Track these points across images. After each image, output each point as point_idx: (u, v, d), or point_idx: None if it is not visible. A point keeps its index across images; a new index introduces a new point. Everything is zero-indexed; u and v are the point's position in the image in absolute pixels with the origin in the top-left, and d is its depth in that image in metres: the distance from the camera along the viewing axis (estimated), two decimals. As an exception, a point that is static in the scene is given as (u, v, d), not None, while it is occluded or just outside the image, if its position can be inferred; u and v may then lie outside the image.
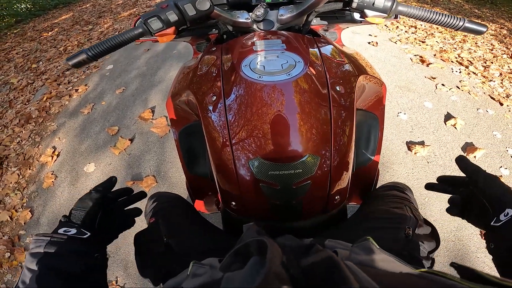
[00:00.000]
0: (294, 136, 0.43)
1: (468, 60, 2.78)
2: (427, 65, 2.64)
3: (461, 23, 0.59)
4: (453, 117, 1.99)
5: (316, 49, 0.57)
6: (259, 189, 0.46)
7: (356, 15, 0.85)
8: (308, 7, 0.66)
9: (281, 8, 0.72)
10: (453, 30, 0.61)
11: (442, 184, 0.58)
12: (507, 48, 3.25)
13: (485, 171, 0.48)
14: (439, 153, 1.75)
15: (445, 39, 3.37)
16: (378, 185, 0.71)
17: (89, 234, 0.44)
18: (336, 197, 0.49)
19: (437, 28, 3.86)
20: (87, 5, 6.90)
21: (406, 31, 3.54)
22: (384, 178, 1.63)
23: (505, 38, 3.70)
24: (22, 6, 9.16)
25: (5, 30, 6.71)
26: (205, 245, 0.53)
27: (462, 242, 1.35)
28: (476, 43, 3.35)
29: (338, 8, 0.67)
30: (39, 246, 0.40)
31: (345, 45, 1.03)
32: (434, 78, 2.42)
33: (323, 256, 0.23)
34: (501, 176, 1.59)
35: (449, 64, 2.69)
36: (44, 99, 2.69)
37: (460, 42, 3.31)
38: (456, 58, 2.83)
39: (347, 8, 0.64)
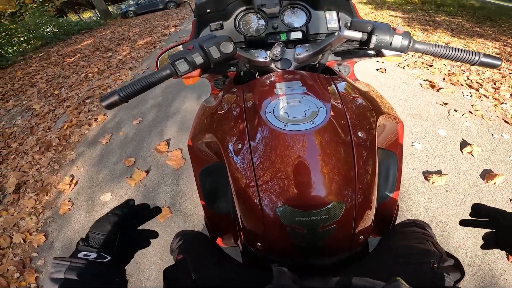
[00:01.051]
0: (319, 184, 0.42)
1: (477, 83, 2.67)
2: (438, 90, 2.54)
3: (476, 58, 0.56)
4: (469, 144, 1.87)
5: (335, 90, 0.56)
6: (286, 232, 0.45)
7: (372, 53, 0.81)
8: (324, 47, 0.65)
9: (297, 47, 0.71)
10: (470, 65, 0.60)
11: (475, 220, 0.55)
12: None
13: (504, 210, 0.48)
14: (458, 182, 1.63)
15: (452, 61, 3.29)
16: (398, 218, 0.70)
17: (109, 258, 0.43)
18: (360, 237, 0.49)
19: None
20: (107, 32, 7.14)
21: (413, 55, 3.47)
22: (402, 208, 1.52)
23: (510, 56, 3.60)
24: (48, 30, 9.53)
25: (30, 53, 6.93)
26: (228, 279, 0.52)
27: (489, 266, 1.26)
28: None
29: (355, 47, 0.66)
30: (59, 271, 0.38)
31: (358, 79, 1.00)
32: (446, 103, 2.32)
33: None
34: None
35: (459, 88, 2.59)
36: (65, 127, 2.68)
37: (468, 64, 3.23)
38: (465, 81, 2.72)
39: (364, 47, 0.60)
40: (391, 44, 0.56)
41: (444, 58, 0.58)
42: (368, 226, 0.49)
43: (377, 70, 3.02)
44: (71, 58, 5.31)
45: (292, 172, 0.42)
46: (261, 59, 0.70)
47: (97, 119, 2.72)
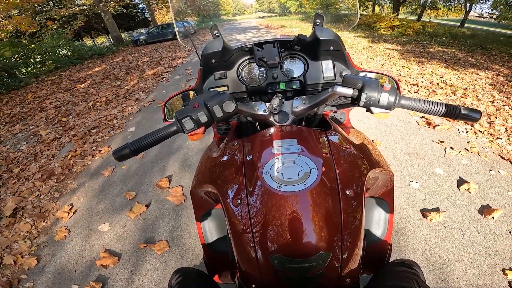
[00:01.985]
0: (308, 236, 0.46)
1: (472, 119, 2.70)
2: (434, 128, 2.56)
3: (457, 111, 0.58)
4: (466, 181, 1.86)
5: (327, 147, 0.59)
6: (278, 277, 0.49)
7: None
8: (319, 102, 0.70)
9: (295, 100, 0.75)
10: (452, 119, 0.61)
11: None
12: (507, 98, 3.17)
13: None
14: (456, 218, 1.62)
15: (447, 95, 3.34)
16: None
17: None
18: (347, 279, 0.52)
19: (438, 84, 3.89)
20: (118, 59, 7.40)
21: (409, 91, 3.54)
22: (400, 244, 1.51)
23: (503, 86, 3.65)
24: (63, 53, 9.80)
25: (43, 76, 7.04)
26: None
27: None
28: (477, 96, 3.29)
29: (347, 103, 0.69)
30: None
31: (353, 127, 1.03)
32: (442, 141, 2.33)
33: None
34: None
35: (455, 124, 2.61)
36: (69, 156, 2.70)
37: (462, 97, 3.27)
38: (460, 117, 2.76)
39: (355, 103, 0.63)
40: (378, 102, 0.58)
41: (427, 113, 0.60)
42: (354, 269, 0.53)
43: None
44: (81, 84, 5.46)
45: (284, 226, 0.47)
46: (261, 112, 0.74)
47: (101, 150, 2.75)
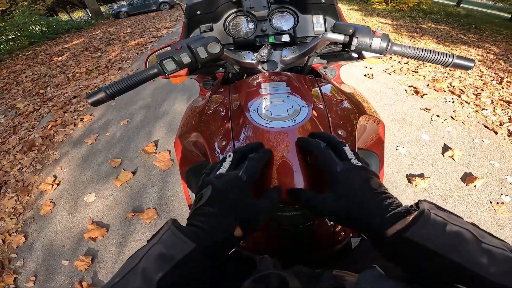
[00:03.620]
0: (298, 180, 0.44)
1: (459, 89, 2.76)
2: (421, 96, 2.61)
3: (450, 59, 0.59)
4: (450, 148, 1.93)
5: (318, 91, 0.58)
6: (269, 228, 0.47)
7: (354, 55, 0.87)
8: (309, 49, 0.68)
9: (284, 49, 0.74)
10: (443, 66, 0.62)
11: None
12: (495, 73, 3.24)
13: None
14: (439, 184, 1.69)
15: (436, 67, 3.38)
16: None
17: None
18: (342, 233, 0.51)
19: (428, 58, 3.92)
20: (98, 32, 7.02)
21: (399, 62, 3.56)
22: None
23: (492, 63, 3.72)
24: (36, 28, 9.26)
25: (17, 52, 6.72)
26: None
27: None
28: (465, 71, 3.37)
29: (338, 50, 0.68)
30: (172, 250, 0.29)
31: (343, 82, 1.01)
32: (429, 109, 2.38)
33: (333, 283, 0.25)
34: (502, 203, 1.56)
35: (442, 94, 2.66)
36: (49, 126, 2.61)
37: (451, 70, 3.32)
38: (448, 87, 2.81)
39: (346, 49, 0.63)
40: (370, 46, 0.58)
41: (420, 60, 0.60)
42: None
43: (365, 75, 3.08)
44: (58, 58, 5.20)
45: (272, 167, 0.44)
46: (248, 61, 0.72)
47: (83, 119, 2.66)
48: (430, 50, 0.59)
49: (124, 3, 16.58)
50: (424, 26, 6.56)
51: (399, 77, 3.03)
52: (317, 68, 0.89)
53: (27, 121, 2.86)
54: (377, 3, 10.31)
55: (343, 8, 8.30)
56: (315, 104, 0.52)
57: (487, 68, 3.46)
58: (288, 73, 0.64)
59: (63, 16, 15.35)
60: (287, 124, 0.47)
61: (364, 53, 0.60)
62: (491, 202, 1.55)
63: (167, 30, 6.88)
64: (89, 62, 4.38)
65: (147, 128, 2.40)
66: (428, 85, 2.85)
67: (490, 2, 13.93)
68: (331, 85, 0.65)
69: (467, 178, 1.71)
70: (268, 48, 0.73)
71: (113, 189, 1.85)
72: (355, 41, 0.58)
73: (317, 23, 0.92)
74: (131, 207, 1.71)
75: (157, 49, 0.86)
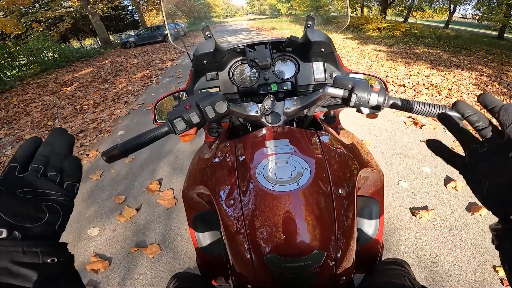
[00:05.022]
0: (302, 235, 0.47)
1: (457, 118, 2.80)
2: (420, 127, 2.63)
3: (443, 111, 0.59)
4: (453, 179, 1.92)
5: (319, 146, 0.60)
6: (274, 277, 0.49)
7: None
8: (311, 102, 0.71)
9: (286, 101, 0.76)
10: (436, 119, 0.60)
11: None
12: None
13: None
14: (444, 215, 1.67)
15: (432, 95, 3.43)
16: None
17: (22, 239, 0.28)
18: (342, 278, 0.53)
19: (423, 84, 4.00)
20: (106, 62, 7.27)
21: (396, 91, 3.63)
22: (391, 242, 1.53)
23: (487, 86, 3.78)
24: (49, 55, 9.51)
25: (29, 79, 6.86)
26: None
27: None
28: (461, 96, 3.39)
29: (338, 103, 0.70)
30: None
31: (343, 128, 1.04)
32: (429, 141, 2.41)
33: None
34: None
35: (441, 124, 2.69)
36: (56, 161, 2.65)
37: (447, 97, 3.36)
38: (445, 116, 2.85)
39: (346, 103, 0.64)
40: (368, 102, 0.59)
41: (415, 113, 0.60)
42: (349, 268, 0.54)
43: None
44: (68, 87, 5.35)
45: (278, 225, 0.47)
46: (253, 113, 0.75)
47: (89, 154, 2.70)
48: (424, 103, 0.60)
49: (132, 33, 17.34)
50: (417, 51, 6.76)
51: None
52: (317, 116, 0.91)
53: (33, 155, 2.90)
54: (371, 30, 10.71)
55: (339, 37, 8.59)
56: (316, 163, 0.55)
57: (482, 92, 3.51)
58: (291, 128, 0.67)
59: (75, 44, 15.97)
60: (291, 187, 0.50)
61: (363, 109, 0.62)
62: None
63: (171, 62, 7.11)
64: (96, 94, 4.50)
65: (151, 166, 2.43)
66: (426, 115, 2.88)
67: (476, 21, 14.46)
68: (331, 137, 0.67)
69: (472, 207, 1.69)
70: (271, 99, 0.75)
71: (117, 224, 1.84)
72: (354, 98, 0.59)
73: (317, 70, 0.95)
74: (134, 242, 1.70)
75: (163, 96, 0.90)
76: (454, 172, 1.99)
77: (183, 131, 0.59)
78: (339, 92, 0.62)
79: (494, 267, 1.35)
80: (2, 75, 6.41)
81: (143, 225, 1.81)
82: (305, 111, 0.80)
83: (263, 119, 0.77)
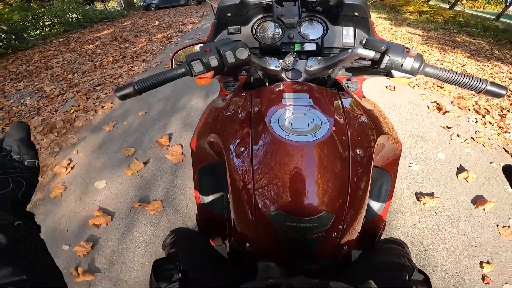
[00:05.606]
0: (312, 194, 0.44)
1: (485, 109, 2.62)
2: (444, 113, 2.50)
3: (483, 86, 0.56)
4: (466, 170, 1.86)
5: (340, 106, 0.57)
6: (276, 236, 0.48)
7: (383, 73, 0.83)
8: (336, 62, 0.67)
9: (310, 59, 0.73)
10: (476, 92, 0.58)
11: None
12: None
13: None
14: (448, 205, 1.64)
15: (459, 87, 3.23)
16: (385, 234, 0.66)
17: None
18: (345, 247, 0.51)
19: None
20: (128, 23, 7.30)
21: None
22: (391, 225, 1.53)
23: None
24: (73, 16, 9.71)
25: (52, 38, 7.10)
26: (215, 274, 0.56)
27: (462, 285, 1.30)
28: None
29: (366, 65, 0.65)
30: None
31: (365, 97, 0.99)
32: (450, 128, 2.28)
33: None
34: (509, 226, 1.52)
35: (466, 113, 2.54)
36: (72, 111, 2.75)
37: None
38: (473, 106, 2.67)
39: (375, 66, 0.61)
40: (401, 65, 0.56)
41: (452, 83, 0.58)
42: (353, 239, 0.52)
43: (386, 87, 2.99)
44: (89, 46, 5.46)
45: (288, 180, 0.45)
46: (273, 67, 0.72)
47: (104, 106, 2.78)
48: (464, 74, 0.56)
49: (155, -4, 17.06)
50: (457, 39, 6.28)
51: (423, 92, 2.92)
52: (340, 80, 0.87)
53: (51, 104, 3.03)
54: (409, 13, 9.97)
55: (372, 16, 8.12)
56: (336, 120, 0.52)
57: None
58: (312, 85, 0.64)
59: (99, 6, 16.04)
60: (307, 138, 0.47)
61: (394, 72, 0.59)
62: (497, 225, 1.51)
63: (192, 25, 7.00)
64: (116, 52, 4.57)
65: (163, 121, 2.47)
66: (452, 102, 2.73)
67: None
68: (353, 100, 0.63)
69: (478, 200, 1.66)
70: (294, 56, 0.73)
71: (124, 178, 1.91)
72: (386, 59, 0.56)
73: (347, 35, 0.90)
74: (138, 197, 1.76)
75: (183, 47, 0.89)
76: (468, 163, 1.93)
77: (200, 73, 0.59)
78: (370, 53, 0.59)
79: (481, 262, 1.35)
80: (25, 35, 6.62)
81: (148, 180, 1.86)
82: (328, 72, 0.77)
83: (283, 74, 0.75)
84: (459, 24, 8.80)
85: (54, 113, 2.82)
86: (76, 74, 3.82)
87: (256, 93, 0.63)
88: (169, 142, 2.18)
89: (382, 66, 0.57)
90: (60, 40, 6.58)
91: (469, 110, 2.60)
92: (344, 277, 0.52)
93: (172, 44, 4.85)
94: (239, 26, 0.91)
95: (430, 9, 10.10)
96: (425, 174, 1.84)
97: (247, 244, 0.53)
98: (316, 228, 0.46)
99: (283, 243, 0.49)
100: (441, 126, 2.32)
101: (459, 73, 0.56)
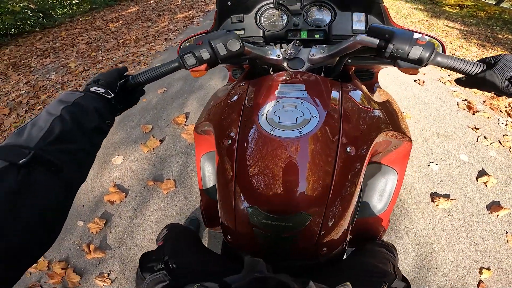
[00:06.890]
0: (291, 193, 0.44)
1: (518, 111, 2.51)
2: (474, 113, 2.40)
3: None
4: (487, 174, 1.80)
5: (338, 99, 0.54)
6: (252, 232, 0.48)
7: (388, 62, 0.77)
8: (339, 51, 0.65)
9: (313, 47, 0.71)
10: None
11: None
12: None
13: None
14: (462, 208, 1.62)
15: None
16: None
17: (113, 95, 0.52)
18: (324, 249, 0.50)
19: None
20: (151, 1, 7.43)
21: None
22: (400, 224, 1.53)
23: None
24: None
25: (78, 16, 7.40)
26: (202, 267, 0.56)
27: None
28: None
29: (371, 54, 0.61)
30: (70, 98, 0.45)
31: (380, 87, 0.96)
32: (478, 129, 2.19)
33: None
34: None
35: (497, 114, 2.41)
36: (94, 86, 2.91)
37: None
38: (506, 107, 2.53)
39: (380, 55, 0.58)
40: (408, 55, 0.51)
41: (465, 74, 0.53)
42: (335, 240, 0.51)
43: (415, 81, 2.89)
44: (113, 24, 5.63)
45: (267, 176, 0.45)
46: (273, 57, 0.71)
47: (125, 83, 2.92)
48: (481, 65, 0.51)
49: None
50: (500, 36, 5.88)
51: (454, 88, 2.81)
52: (350, 69, 0.86)
53: (75, 79, 3.19)
54: (449, 6, 9.40)
55: (406, 6, 7.73)
56: (329, 114, 0.50)
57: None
58: (311, 75, 0.63)
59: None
60: (292, 134, 0.47)
61: (400, 62, 0.55)
62: (506, 233, 1.49)
63: (214, 5, 6.88)
64: (139, 30, 4.70)
65: (181, 99, 2.55)
66: (484, 101, 2.61)
67: None
68: (358, 92, 0.61)
69: (493, 206, 1.64)
70: (297, 45, 0.72)
71: (140, 154, 2.00)
72: (390, 48, 0.52)
73: (358, 21, 0.86)
74: (152, 175, 1.83)
75: (189, 37, 0.90)
76: (491, 167, 1.87)
77: (193, 66, 0.59)
78: (373, 41, 0.55)
79: (481, 268, 1.34)
80: (53, 13, 6.91)
81: (163, 158, 1.93)
82: (334, 61, 0.75)
83: (285, 64, 0.73)
84: (503, 21, 8.21)
85: (78, 88, 2.96)
86: (100, 51, 3.98)
87: (253, 83, 0.63)
88: (185, 121, 2.26)
89: (386, 55, 0.53)
90: (86, 18, 6.82)
91: (500, 111, 2.48)
92: (325, 277, 0.53)
93: (193, 24, 4.89)
94: (241, 15, 0.90)
95: (473, 3, 9.45)
96: (444, 175, 1.81)
97: (229, 236, 0.54)
98: (291, 228, 0.45)
99: (259, 240, 0.49)
100: (468, 126, 2.24)
101: (477, 64, 0.50)
